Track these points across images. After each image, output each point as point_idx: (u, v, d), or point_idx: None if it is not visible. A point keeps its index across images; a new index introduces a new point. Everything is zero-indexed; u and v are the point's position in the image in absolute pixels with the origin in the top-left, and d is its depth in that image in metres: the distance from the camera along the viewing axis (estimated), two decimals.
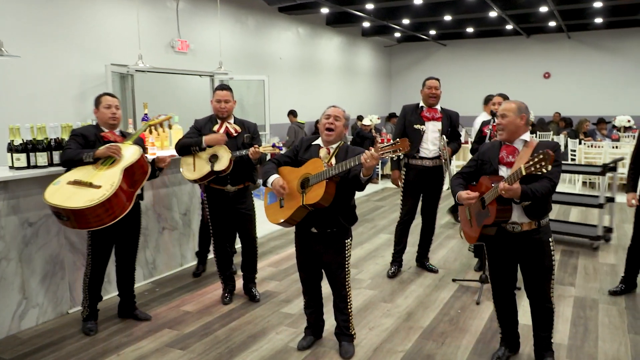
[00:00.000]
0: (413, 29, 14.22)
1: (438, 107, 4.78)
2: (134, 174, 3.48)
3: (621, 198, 7.06)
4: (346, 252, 3.32)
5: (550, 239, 3.05)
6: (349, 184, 3.14)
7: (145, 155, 3.83)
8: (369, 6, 10.82)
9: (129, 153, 3.53)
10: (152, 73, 7.98)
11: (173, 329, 3.83)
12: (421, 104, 4.79)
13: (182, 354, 3.45)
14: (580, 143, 10.09)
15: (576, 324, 3.87)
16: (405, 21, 12.54)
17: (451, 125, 4.78)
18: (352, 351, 3.41)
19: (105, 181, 3.36)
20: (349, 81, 14.95)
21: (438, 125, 4.70)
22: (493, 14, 11.62)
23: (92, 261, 3.74)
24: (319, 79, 13.33)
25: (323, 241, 3.28)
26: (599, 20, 12.76)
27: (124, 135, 3.84)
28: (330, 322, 3.63)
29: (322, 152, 3.26)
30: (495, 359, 3.31)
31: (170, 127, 4.56)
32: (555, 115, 13.74)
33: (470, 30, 14.59)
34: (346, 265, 3.33)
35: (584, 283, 4.73)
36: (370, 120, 11.24)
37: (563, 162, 10.83)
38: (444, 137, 4.65)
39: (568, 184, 10.21)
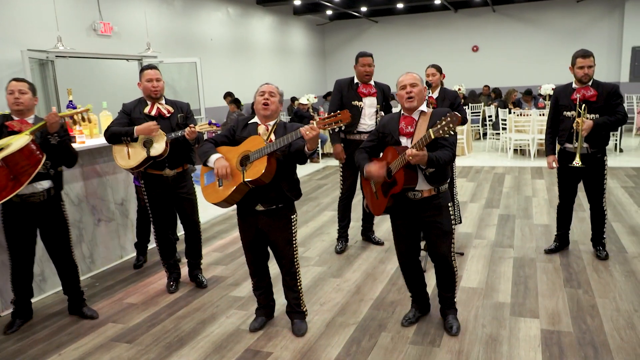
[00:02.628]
0: (344, 6, 14.20)
1: (372, 82, 4.81)
2: (18, 164, 3.22)
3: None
4: (292, 227, 3.29)
5: (449, 204, 3.19)
6: (292, 158, 3.12)
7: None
8: None
9: (17, 143, 3.27)
10: (74, 58, 7.52)
11: (117, 323, 3.66)
12: (356, 80, 4.78)
13: (129, 347, 3.31)
14: (510, 113, 10.49)
15: (517, 283, 4.03)
16: None
17: (385, 98, 4.83)
18: (305, 328, 3.40)
19: None
20: (283, 61, 14.78)
21: (374, 100, 4.76)
22: None
23: (11, 257, 3.57)
24: (253, 60, 13.09)
25: (269, 218, 3.22)
26: None
27: None
28: (280, 301, 3.60)
29: (261, 129, 3.20)
30: (405, 320, 3.44)
31: (89, 120, 4.30)
32: (485, 89, 14.21)
33: (400, 6, 14.74)
34: (294, 242, 3.30)
35: (521, 244, 4.93)
36: (308, 100, 11.19)
37: (497, 132, 11.24)
38: (382, 112, 4.70)
39: (501, 152, 10.61)
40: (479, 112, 12.81)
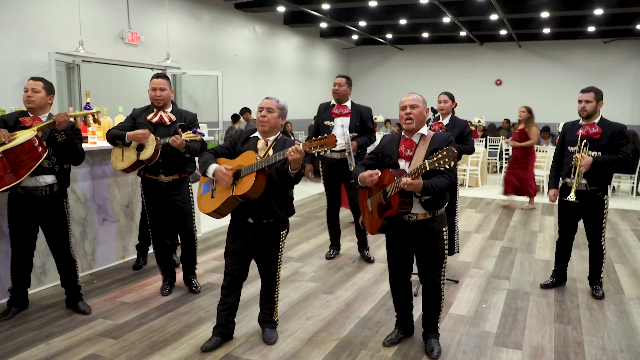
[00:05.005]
0: (370, 32, 14.42)
1: (348, 103, 5.01)
2: (17, 158, 3.36)
3: None
4: (281, 243, 3.34)
5: (444, 229, 3.20)
6: (282, 177, 3.16)
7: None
8: (325, 6, 10.92)
9: (22, 137, 3.42)
10: (100, 64, 7.81)
11: (107, 319, 3.76)
12: (333, 101, 5.04)
13: (114, 343, 3.39)
14: None
15: (506, 314, 4.01)
16: (362, 23, 12.71)
17: (361, 120, 4.99)
18: (276, 336, 3.46)
19: None
20: (307, 81, 15.01)
21: (345, 120, 4.95)
22: (446, 19, 11.92)
23: (12, 247, 3.73)
24: (276, 78, 13.33)
25: (258, 231, 3.28)
26: (547, 30, 13.27)
27: None
28: (243, 323, 3.66)
29: (260, 144, 3.26)
30: (387, 340, 3.45)
31: (99, 122, 4.45)
32: (505, 123, 14.18)
33: (425, 35, 14.90)
34: (279, 256, 3.35)
35: (518, 277, 4.90)
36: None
37: None
38: (347, 131, 4.90)
39: None
40: (497, 146, 12.77)
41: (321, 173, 5.22)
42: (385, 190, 3.09)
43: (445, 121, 4.95)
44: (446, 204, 3.23)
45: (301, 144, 2.96)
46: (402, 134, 3.24)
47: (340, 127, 4.92)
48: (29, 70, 6.88)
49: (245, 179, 3.09)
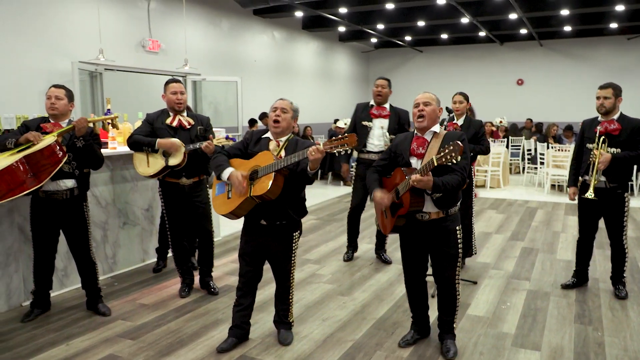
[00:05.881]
0: (389, 35, 14.39)
1: (387, 105, 5.04)
2: (38, 162, 3.43)
3: None
4: (294, 244, 3.35)
5: (457, 227, 3.17)
6: (297, 177, 3.16)
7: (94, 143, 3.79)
8: (343, 10, 10.94)
9: (42, 143, 3.49)
10: (122, 72, 7.97)
11: (126, 321, 3.82)
12: (372, 102, 5.06)
13: (132, 344, 3.45)
14: (548, 147, 10.29)
15: (526, 315, 3.95)
16: (380, 26, 12.69)
17: (399, 123, 5.01)
18: (291, 337, 3.47)
19: None
20: (327, 85, 15.04)
21: (384, 122, 4.98)
22: (465, 20, 11.82)
23: (34, 249, 3.82)
24: (296, 83, 13.39)
25: (271, 233, 3.29)
26: (568, 28, 13.06)
27: None
28: (259, 325, 3.67)
29: (272, 145, 3.27)
30: (403, 341, 3.43)
31: (117, 127, 4.52)
32: (528, 122, 13.98)
33: (444, 36, 14.80)
34: (292, 257, 3.36)
35: (539, 277, 4.82)
36: (345, 123, 11.33)
37: (535, 166, 11.02)
38: (387, 133, 4.91)
39: (538, 187, 10.38)
40: (519, 146, 12.60)
41: (353, 174, 5.20)
42: (397, 189, 3.09)
43: (460, 121, 4.91)
44: (459, 202, 3.21)
45: (322, 144, 2.97)
46: (415, 132, 3.24)
47: (380, 129, 4.96)
48: (54, 79, 7.05)
49: (263, 179, 3.09)
